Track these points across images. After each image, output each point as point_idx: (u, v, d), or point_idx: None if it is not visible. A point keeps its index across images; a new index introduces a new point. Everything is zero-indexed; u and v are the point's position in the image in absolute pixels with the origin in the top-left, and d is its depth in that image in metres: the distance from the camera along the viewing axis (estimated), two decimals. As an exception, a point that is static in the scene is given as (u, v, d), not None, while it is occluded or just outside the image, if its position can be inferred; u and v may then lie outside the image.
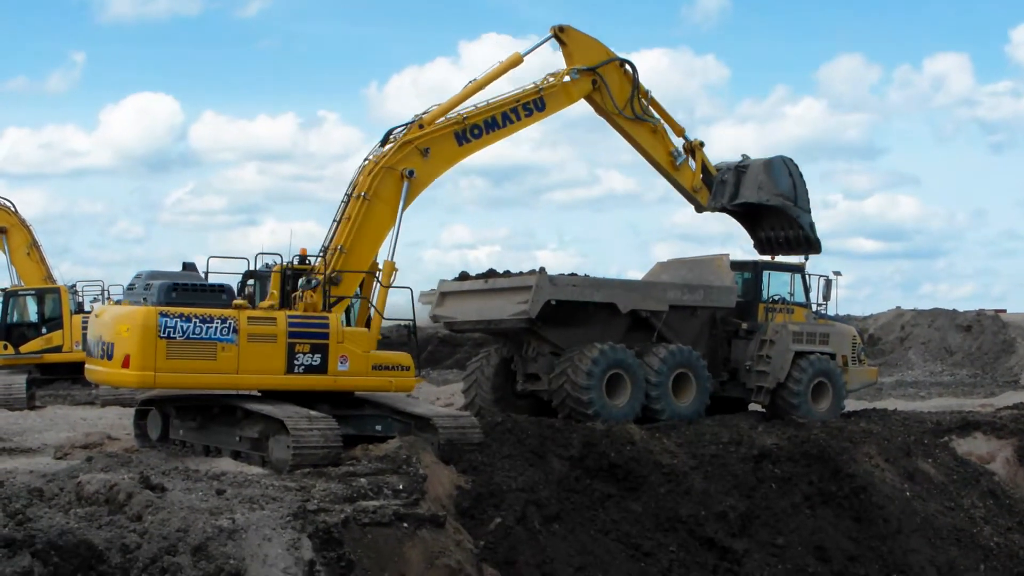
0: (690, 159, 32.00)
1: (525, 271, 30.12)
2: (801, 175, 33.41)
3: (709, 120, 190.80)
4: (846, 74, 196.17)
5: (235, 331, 22.95)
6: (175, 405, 25.49)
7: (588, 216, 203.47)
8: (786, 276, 34.65)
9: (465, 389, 32.84)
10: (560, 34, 28.49)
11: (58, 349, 40.79)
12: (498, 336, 32.10)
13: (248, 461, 23.07)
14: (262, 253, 25.12)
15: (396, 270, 25.24)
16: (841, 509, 26.59)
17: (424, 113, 26.02)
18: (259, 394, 24.29)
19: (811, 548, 25.42)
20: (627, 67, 30.00)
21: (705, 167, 32.56)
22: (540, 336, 30.10)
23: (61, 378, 40.60)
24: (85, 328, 35.43)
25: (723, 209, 33.22)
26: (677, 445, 26.76)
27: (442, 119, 26.21)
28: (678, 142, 31.68)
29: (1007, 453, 31.54)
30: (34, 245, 44.76)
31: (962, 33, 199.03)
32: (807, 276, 34.86)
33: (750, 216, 34.10)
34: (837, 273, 34.75)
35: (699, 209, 32.89)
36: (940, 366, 71.56)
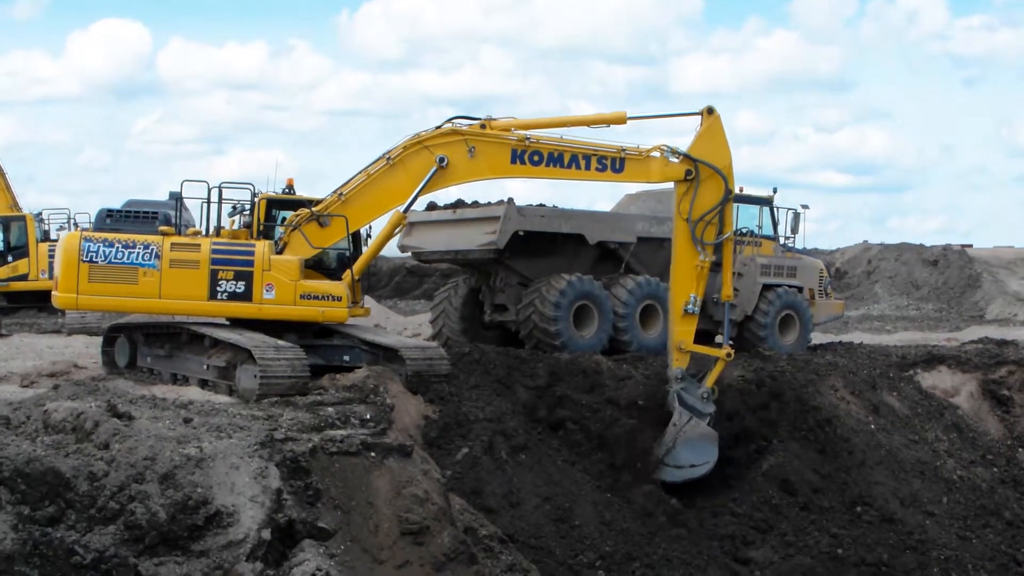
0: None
1: (493, 202, 30.06)
2: None
3: (682, 51, 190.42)
4: (820, 6, 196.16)
5: (157, 256, 23.38)
6: (143, 332, 25.57)
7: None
8: (754, 209, 34.65)
9: (433, 319, 32.87)
10: (707, 115, 25.16)
11: (24, 277, 40.72)
12: (466, 267, 32.10)
13: (215, 390, 23.12)
14: (226, 184, 25.00)
15: (404, 224, 25.27)
16: (807, 441, 26.79)
17: (496, 118, 25.02)
18: (227, 322, 24.33)
19: (776, 480, 25.65)
20: (728, 195, 25.20)
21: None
22: (508, 267, 30.11)
23: (27, 306, 40.52)
24: (51, 256, 35.33)
25: None
26: (644, 377, 26.90)
27: (508, 131, 24.84)
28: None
29: (971, 387, 31.77)
30: (-1, 173, 44.48)
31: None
32: (775, 209, 34.89)
33: None
34: (805, 206, 34.81)
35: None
36: (906, 300, 71.95)
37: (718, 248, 25.62)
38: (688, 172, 24.81)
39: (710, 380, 25.45)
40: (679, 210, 24.96)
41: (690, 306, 24.96)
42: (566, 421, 25.03)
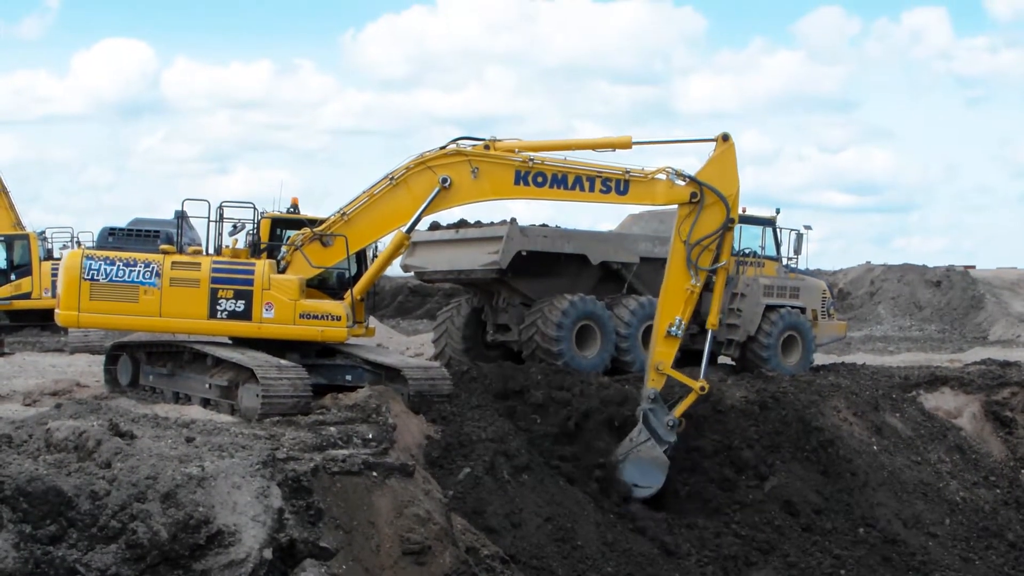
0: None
1: (496, 222, 30.06)
2: None
3: (686, 71, 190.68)
4: (825, 26, 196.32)
5: (158, 275, 23.51)
6: (146, 351, 25.58)
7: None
8: (757, 230, 34.67)
9: (435, 339, 32.89)
10: (722, 141, 24.95)
11: (27, 296, 40.66)
12: (468, 286, 32.11)
13: (217, 409, 23.11)
14: (227, 203, 25.01)
15: (407, 245, 25.26)
16: (809, 463, 26.77)
17: (500, 139, 24.81)
18: (230, 341, 24.34)
19: (779, 501, 25.62)
20: (730, 223, 24.90)
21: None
22: (511, 287, 30.12)
23: (30, 325, 40.47)
24: (54, 275, 35.34)
25: None
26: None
27: (512, 152, 24.70)
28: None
29: (974, 408, 31.74)
30: (2, 191, 44.41)
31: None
32: (778, 230, 34.90)
33: None
34: (808, 227, 34.81)
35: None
36: (909, 321, 71.87)
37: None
38: (693, 195, 24.63)
39: (679, 410, 25.26)
40: (678, 232, 24.77)
41: (674, 328, 24.71)
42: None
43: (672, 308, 24.87)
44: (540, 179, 24.54)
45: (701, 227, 24.67)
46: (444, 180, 24.20)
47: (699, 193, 24.59)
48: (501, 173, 24.55)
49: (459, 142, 24.73)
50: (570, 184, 24.63)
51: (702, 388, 25.26)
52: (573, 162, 24.76)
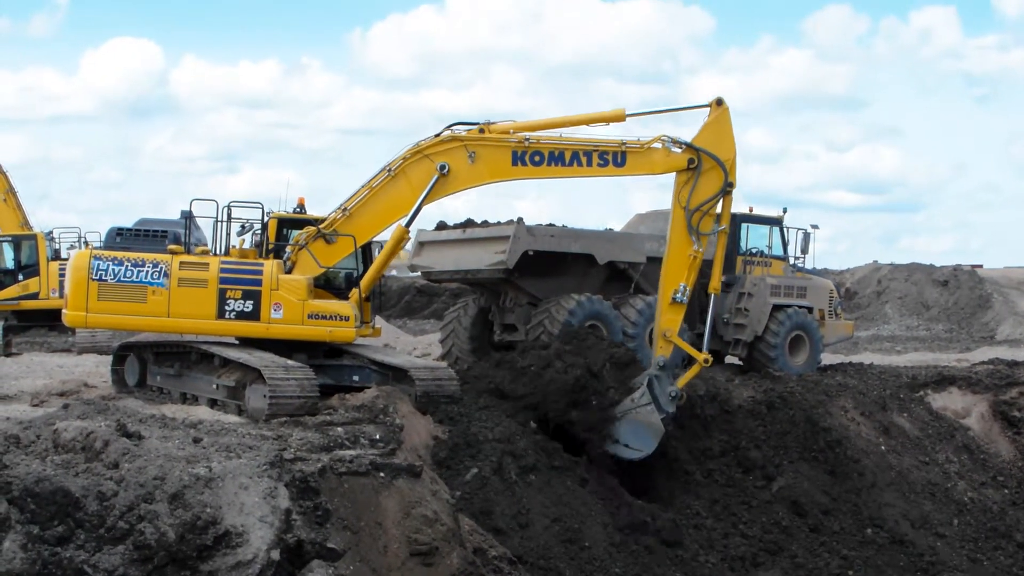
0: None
1: (503, 221, 30.04)
2: None
3: (694, 69, 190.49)
4: (833, 25, 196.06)
5: (166, 275, 23.55)
6: (153, 351, 25.59)
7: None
8: (764, 229, 34.65)
9: (442, 339, 32.87)
10: (716, 106, 25.06)
11: (35, 296, 40.68)
12: (475, 286, 32.09)
13: (225, 409, 23.13)
14: (235, 203, 25.01)
15: (408, 239, 25.32)
16: (816, 463, 26.75)
17: (494, 122, 25.03)
18: (237, 342, 24.34)
19: (787, 502, 25.61)
20: (728, 187, 24.96)
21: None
22: (517, 286, 30.09)
23: (38, 325, 40.48)
24: (62, 275, 35.37)
25: None
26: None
27: (507, 134, 24.85)
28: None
29: (982, 408, 31.69)
30: (10, 191, 44.51)
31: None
32: (785, 229, 34.87)
33: None
34: (815, 227, 34.81)
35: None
36: (916, 321, 71.76)
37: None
38: (691, 161, 24.75)
39: (682, 381, 25.40)
40: (677, 199, 24.89)
41: (679, 295, 24.84)
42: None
43: (676, 275, 24.96)
44: (537, 158, 24.65)
45: (700, 192, 24.82)
46: (442, 167, 24.30)
47: (696, 159, 24.71)
48: (498, 155, 24.65)
49: (453, 128, 24.83)
50: (567, 160, 24.76)
51: (706, 360, 25.44)
52: (569, 138, 24.85)
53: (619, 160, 24.86)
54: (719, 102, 24.94)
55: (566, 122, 25.26)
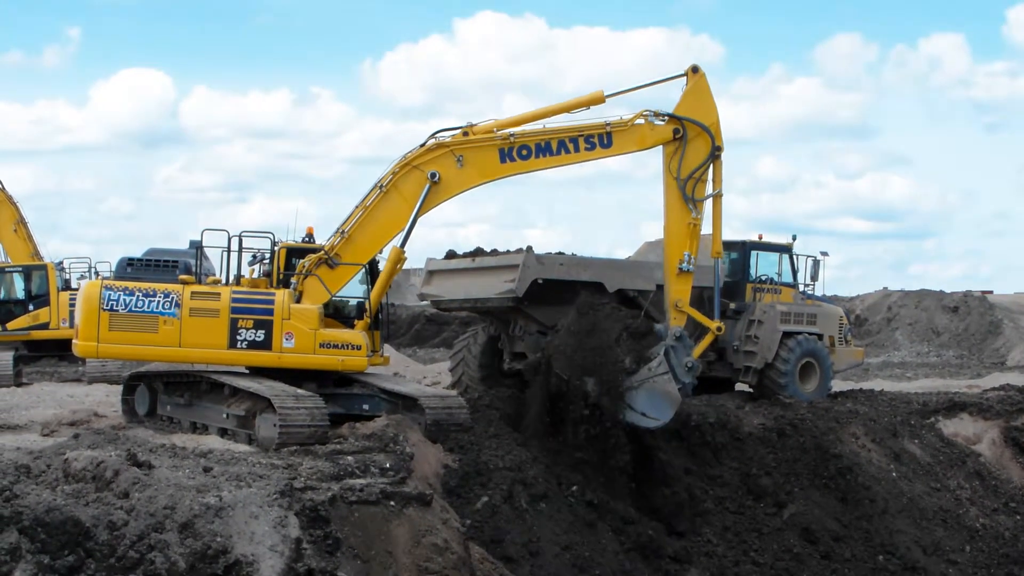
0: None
1: (513, 249, 30.05)
2: None
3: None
4: (842, 53, 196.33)
5: (177, 305, 23.54)
6: (163, 381, 25.60)
7: (579, 194, 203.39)
8: (774, 256, 34.65)
9: (452, 368, 32.82)
10: (692, 74, 25.45)
11: (45, 326, 40.76)
12: (485, 315, 32.06)
13: (235, 438, 23.13)
14: (246, 233, 25.05)
15: (404, 259, 25.25)
16: (827, 490, 26.69)
17: (476, 123, 25.17)
18: (247, 371, 24.35)
19: (798, 529, 25.54)
20: (717, 151, 25.41)
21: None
22: (527, 315, 30.04)
23: (48, 355, 40.56)
24: (72, 305, 35.43)
25: None
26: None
27: (491, 133, 25.01)
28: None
29: (993, 434, 31.61)
30: (21, 222, 44.64)
31: (959, 13, 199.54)
32: (795, 256, 34.89)
33: None
34: (824, 254, 34.81)
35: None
36: (927, 347, 71.77)
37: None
38: (676, 132, 25.23)
39: (697, 351, 25.74)
40: (668, 170, 25.28)
41: (685, 264, 25.24)
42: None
43: (679, 244, 25.38)
44: (525, 152, 24.94)
45: (689, 160, 25.27)
46: (432, 175, 24.46)
47: (681, 128, 25.15)
48: (486, 155, 24.87)
49: (437, 135, 24.95)
50: (555, 150, 25.05)
51: (719, 328, 26.12)
52: (553, 127, 25.09)
53: (605, 141, 25.25)
54: (695, 69, 25.43)
55: (547, 112, 25.52)
